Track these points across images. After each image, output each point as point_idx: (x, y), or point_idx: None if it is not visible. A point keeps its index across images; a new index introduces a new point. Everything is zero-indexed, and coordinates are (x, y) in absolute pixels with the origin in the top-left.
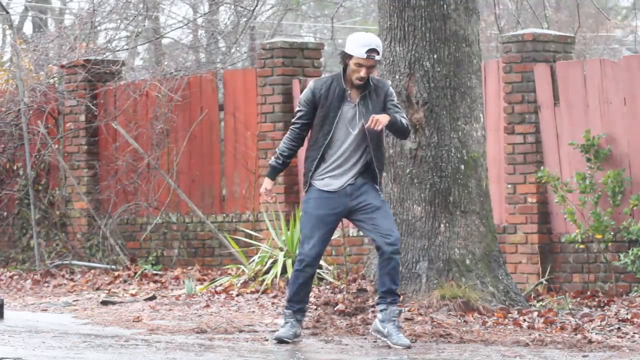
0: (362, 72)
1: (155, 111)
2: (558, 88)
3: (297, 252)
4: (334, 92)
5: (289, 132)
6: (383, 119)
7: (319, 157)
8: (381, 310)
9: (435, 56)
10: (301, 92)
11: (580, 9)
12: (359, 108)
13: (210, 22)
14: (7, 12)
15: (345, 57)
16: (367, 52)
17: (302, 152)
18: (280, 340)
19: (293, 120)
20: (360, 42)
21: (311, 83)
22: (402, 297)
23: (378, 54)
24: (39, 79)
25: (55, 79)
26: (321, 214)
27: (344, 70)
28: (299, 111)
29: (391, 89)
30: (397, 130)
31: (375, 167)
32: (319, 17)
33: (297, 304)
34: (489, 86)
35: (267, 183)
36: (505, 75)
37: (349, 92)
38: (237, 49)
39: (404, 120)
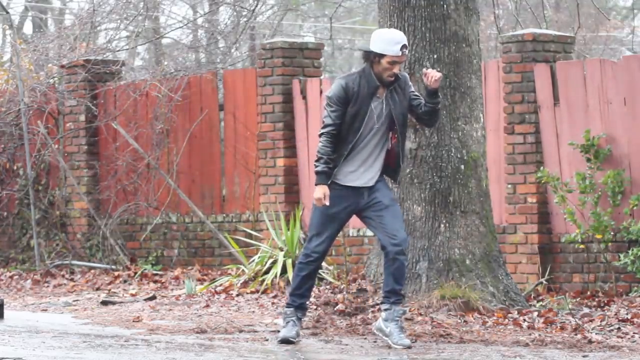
0: (395, 69)
1: (155, 111)
2: (558, 88)
3: (304, 246)
4: (364, 88)
5: (326, 135)
6: (437, 73)
7: (346, 154)
8: (385, 310)
9: (435, 56)
10: (301, 92)
11: (580, 9)
12: (386, 102)
13: (210, 22)
14: (7, 12)
15: (374, 57)
16: (400, 49)
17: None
18: (286, 341)
19: (327, 121)
20: (392, 39)
21: (341, 81)
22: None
23: (407, 48)
24: (39, 79)
25: (55, 79)
26: (334, 211)
27: (371, 67)
28: (333, 111)
29: (409, 80)
30: (436, 106)
31: (400, 161)
32: (319, 17)
33: (300, 298)
34: (489, 86)
35: (323, 189)
36: (505, 75)
37: (380, 88)
38: (237, 49)
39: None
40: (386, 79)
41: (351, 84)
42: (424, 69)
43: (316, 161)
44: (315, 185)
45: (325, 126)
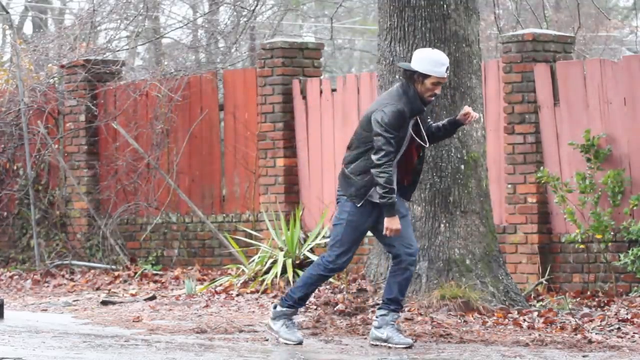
0: (438, 90)
1: (155, 111)
2: (558, 88)
3: (329, 260)
4: (410, 111)
5: (385, 164)
6: (476, 115)
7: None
8: (380, 316)
9: None
10: (301, 92)
11: (580, 9)
12: (416, 122)
13: (210, 22)
14: (7, 12)
15: (419, 78)
16: (446, 70)
17: (302, 149)
18: (300, 343)
19: (388, 149)
20: (438, 60)
21: (397, 107)
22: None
23: (449, 70)
24: (39, 79)
25: (55, 79)
26: (364, 228)
27: (413, 88)
28: (392, 137)
29: None
30: (453, 134)
31: (418, 178)
32: (319, 17)
33: (303, 304)
34: (489, 86)
35: (395, 221)
36: (505, 75)
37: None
38: (237, 49)
39: None
40: (427, 99)
41: (406, 108)
42: (467, 107)
43: (385, 192)
44: (388, 217)
45: (386, 154)
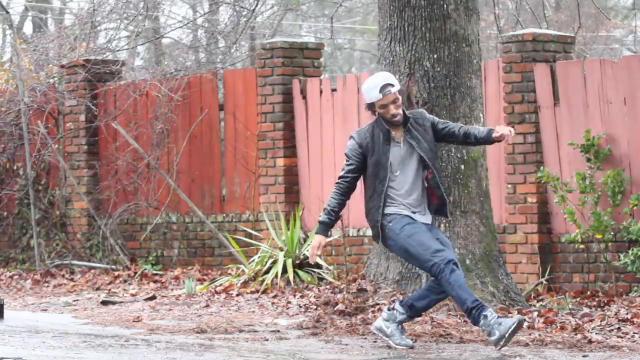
0: (392, 109)
1: (155, 111)
2: (558, 88)
3: (435, 271)
4: (378, 137)
5: (337, 186)
6: (507, 130)
7: (382, 205)
8: (392, 309)
9: (435, 56)
10: (301, 92)
11: (580, 9)
12: (408, 143)
13: (210, 22)
14: (7, 12)
15: (371, 108)
16: (380, 91)
17: (302, 149)
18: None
19: (342, 174)
20: (370, 86)
21: (354, 134)
22: (402, 297)
23: (393, 86)
24: (39, 79)
25: (55, 79)
26: (417, 225)
27: (381, 117)
28: (349, 164)
29: (428, 115)
30: (486, 144)
31: (443, 193)
32: (319, 17)
33: (479, 302)
34: (489, 86)
35: (320, 239)
36: (505, 75)
37: (392, 133)
38: (237, 49)
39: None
40: (393, 121)
41: (363, 135)
42: (510, 131)
43: (323, 211)
44: (315, 234)
45: (338, 178)
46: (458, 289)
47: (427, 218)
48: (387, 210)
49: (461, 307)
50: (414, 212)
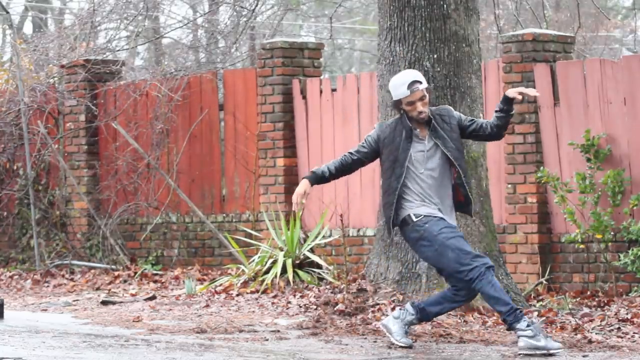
0: (419, 107)
1: (155, 111)
2: (558, 88)
3: (473, 276)
4: (400, 133)
5: (341, 156)
6: (534, 93)
7: (395, 202)
8: (405, 311)
9: (435, 56)
10: (301, 92)
11: (580, 9)
12: (432, 141)
13: (210, 22)
14: (7, 12)
15: (398, 105)
16: (407, 87)
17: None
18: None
19: (352, 150)
20: (398, 82)
21: (377, 125)
22: (402, 297)
23: (420, 83)
24: (39, 79)
25: (55, 79)
26: (454, 229)
27: (406, 114)
28: (361, 146)
29: (455, 112)
30: (509, 112)
31: (468, 193)
32: (319, 17)
33: (513, 306)
34: (489, 86)
35: (306, 186)
36: (505, 75)
37: (417, 130)
38: (237, 49)
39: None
40: (418, 119)
41: (385, 128)
42: (530, 91)
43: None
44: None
45: (347, 151)
46: (500, 291)
47: (452, 219)
48: (420, 210)
49: (502, 307)
50: (440, 211)
